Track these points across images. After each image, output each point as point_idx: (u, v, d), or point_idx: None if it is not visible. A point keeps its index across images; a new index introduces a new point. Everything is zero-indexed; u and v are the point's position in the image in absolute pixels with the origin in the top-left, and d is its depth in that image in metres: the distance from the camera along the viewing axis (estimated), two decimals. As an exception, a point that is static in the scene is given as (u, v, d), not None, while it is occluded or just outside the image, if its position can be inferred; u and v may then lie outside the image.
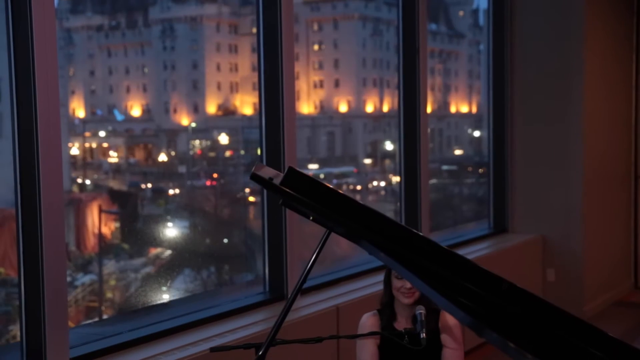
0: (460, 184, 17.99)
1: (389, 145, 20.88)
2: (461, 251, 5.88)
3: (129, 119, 20.71)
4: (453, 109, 21.08)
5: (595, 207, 6.56)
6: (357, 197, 22.92)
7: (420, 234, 2.07)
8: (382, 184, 21.27)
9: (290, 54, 4.29)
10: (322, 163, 21.43)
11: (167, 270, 14.67)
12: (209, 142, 20.39)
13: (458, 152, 21.94)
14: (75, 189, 19.99)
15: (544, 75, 6.56)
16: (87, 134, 20.06)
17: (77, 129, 20.38)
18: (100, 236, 18.99)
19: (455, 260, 2.01)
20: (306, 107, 21.52)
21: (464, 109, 21.01)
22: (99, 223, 18.36)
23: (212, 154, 20.22)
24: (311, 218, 2.11)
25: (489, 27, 6.73)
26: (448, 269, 1.97)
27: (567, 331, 1.92)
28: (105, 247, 18.32)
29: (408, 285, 2.99)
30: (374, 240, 1.95)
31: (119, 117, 21.15)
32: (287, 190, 1.97)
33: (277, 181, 2.01)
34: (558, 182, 6.43)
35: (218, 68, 20.31)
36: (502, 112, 6.73)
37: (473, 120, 20.90)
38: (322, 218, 2.03)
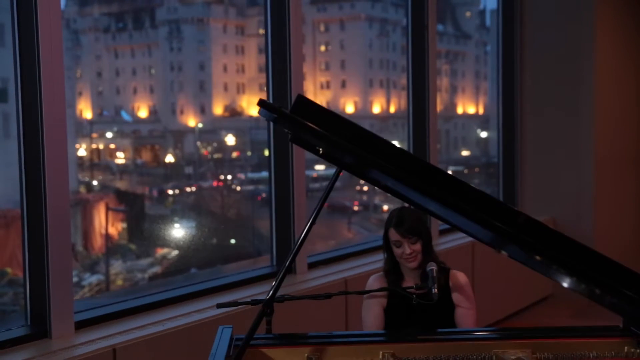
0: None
1: (396, 146, 20.67)
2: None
3: (136, 120, 20.72)
4: (460, 110, 20.97)
5: (606, 191, 6.50)
6: (364, 198, 22.82)
7: (434, 165, 2.02)
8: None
9: (299, 54, 4.24)
10: (329, 164, 21.39)
11: (173, 270, 14.67)
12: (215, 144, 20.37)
13: (465, 152, 21.87)
14: (82, 189, 20.00)
15: (554, 60, 6.51)
16: (94, 135, 20.07)
17: (85, 130, 20.40)
18: (107, 237, 18.98)
19: (471, 191, 1.97)
20: (313, 108, 21.40)
21: (471, 109, 20.91)
22: (106, 223, 18.35)
23: (218, 155, 20.20)
24: (320, 151, 2.06)
25: (499, 12, 6.68)
26: (464, 199, 1.92)
27: (581, 260, 1.87)
28: (112, 248, 18.30)
29: (408, 251, 2.92)
30: (384, 167, 1.90)
31: (127, 117, 21.17)
32: (297, 117, 1.91)
33: (286, 110, 1.96)
34: (569, 165, 6.37)
35: (225, 69, 20.31)
36: (512, 96, 6.68)
37: (480, 121, 20.75)
38: (331, 147, 1.97)
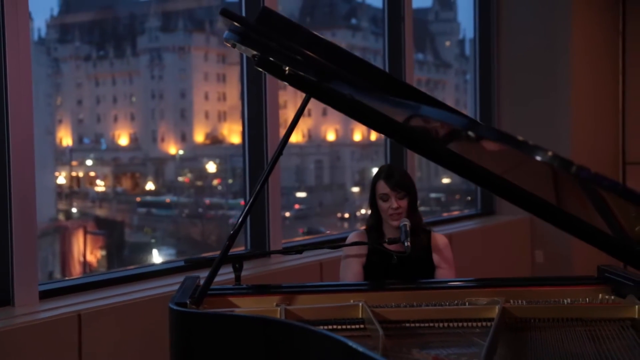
0: (448, 211, 17.96)
1: (377, 173, 20.76)
2: (449, 226, 5.78)
3: (116, 147, 20.62)
4: (441, 138, 21.00)
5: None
6: (345, 225, 22.76)
7: (400, 80, 1.99)
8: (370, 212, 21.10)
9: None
10: (310, 191, 21.36)
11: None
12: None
13: (445, 180, 21.98)
14: (61, 217, 19.78)
15: (529, 56, 6.50)
16: (74, 162, 19.92)
17: (64, 157, 20.25)
18: (86, 264, 18.73)
19: (441, 105, 1.94)
20: (294, 135, 21.44)
21: (452, 137, 20.96)
22: (84, 249, 18.14)
23: (199, 183, 20.10)
24: (287, 71, 2.03)
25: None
26: (431, 105, 1.90)
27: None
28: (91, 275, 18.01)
29: (394, 205, 2.91)
30: (347, 78, 1.87)
31: (104, 146, 21.01)
32: (262, 28, 1.88)
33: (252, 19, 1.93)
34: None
35: (206, 97, 20.33)
36: (489, 94, 6.66)
37: (461, 148, 20.78)
38: (297, 62, 1.93)
